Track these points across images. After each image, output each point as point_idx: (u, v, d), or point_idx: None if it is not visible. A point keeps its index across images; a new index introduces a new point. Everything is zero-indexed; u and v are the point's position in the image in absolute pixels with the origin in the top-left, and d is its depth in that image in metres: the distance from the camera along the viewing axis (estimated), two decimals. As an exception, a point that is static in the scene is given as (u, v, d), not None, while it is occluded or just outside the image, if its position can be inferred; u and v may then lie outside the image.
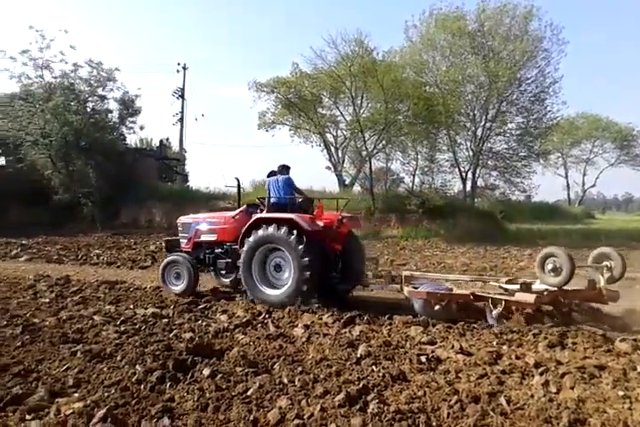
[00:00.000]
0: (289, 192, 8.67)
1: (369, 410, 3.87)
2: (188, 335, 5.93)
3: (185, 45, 71.49)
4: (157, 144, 38.83)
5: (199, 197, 30.17)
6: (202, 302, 8.08)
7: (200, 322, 6.76)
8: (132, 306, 7.79)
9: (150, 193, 28.64)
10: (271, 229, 8.06)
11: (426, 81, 26.41)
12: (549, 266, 7.00)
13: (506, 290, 7.22)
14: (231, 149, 70.85)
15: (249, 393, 4.19)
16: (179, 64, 36.96)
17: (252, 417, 3.77)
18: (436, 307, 7.24)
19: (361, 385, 4.29)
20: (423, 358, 5.09)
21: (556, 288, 6.88)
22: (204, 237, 9.44)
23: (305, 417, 3.79)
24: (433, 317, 7.04)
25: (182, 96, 36.76)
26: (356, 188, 30.77)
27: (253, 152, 69.86)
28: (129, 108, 31.26)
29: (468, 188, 27.34)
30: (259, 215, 8.49)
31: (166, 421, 3.63)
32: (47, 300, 8.23)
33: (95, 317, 6.89)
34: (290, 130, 30.92)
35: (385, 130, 25.88)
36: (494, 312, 6.82)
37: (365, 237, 23.21)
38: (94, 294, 8.82)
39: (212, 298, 8.49)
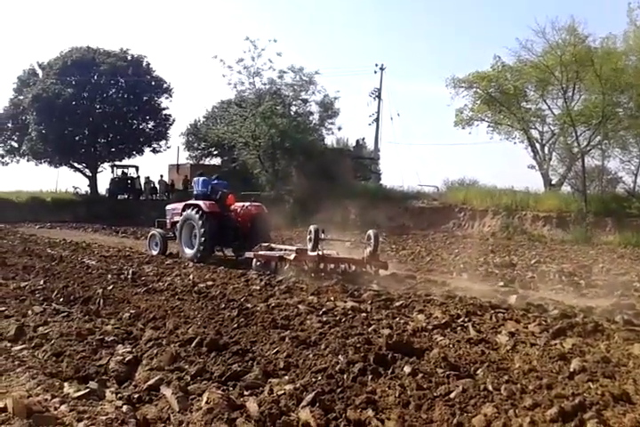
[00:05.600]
0: (205, 187, 13.25)
1: (585, 429, 3.47)
2: (386, 331, 5.96)
3: (383, 46, 72.96)
4: (353, 144, 40.26)
5: (393, 195, 30.41)
6: (398, 300, 8.10)
7: (397, 319, 6.74)
8: (332, 298, 8.08)
9: (346, 191, 29.65)
10: (189, 211, 12.61)
11: (651, 68, 23.24)
12: (308, 238, 10.44)
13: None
14: (426, 148, 70.27)
15: (451, 396, 4.04)
16: (376, 65, 37.72)
17: (455, 421, 3.63)
18: (258, 263, 10.65)
19: (576, 401, 3.86)
20: (651, 380, 4.44)
21: (316, 253, 10.17)
22: (175, 218, 13.74)
23: (513, 428, 3.54)
24: (259, 270, 10.38)
25: (379, 96, 37.50)
26: (565, 188, 28.23)
27: (448, 150, 68.58)
28: (328, 109, 32.91)
29: None
30: (185, 202, 13.34)
31: (370, 412, 3.68)
32: (257, 287, 8.94)
33: (300, 306, 7.29)
34: (488, 126, 29.66)
35: (601, 124, 23.33)
36: (285, 267, 10.20)
37: (575, 242, 21.32)
38: (298, 284, 9.37)
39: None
